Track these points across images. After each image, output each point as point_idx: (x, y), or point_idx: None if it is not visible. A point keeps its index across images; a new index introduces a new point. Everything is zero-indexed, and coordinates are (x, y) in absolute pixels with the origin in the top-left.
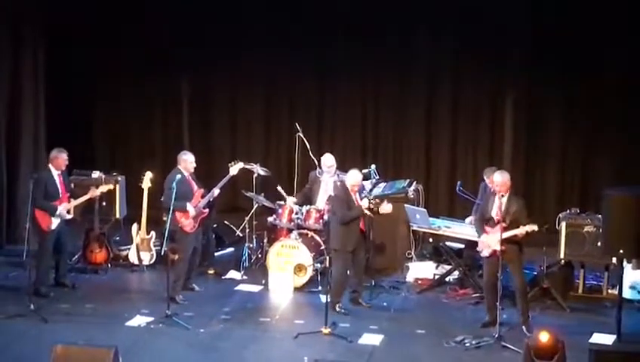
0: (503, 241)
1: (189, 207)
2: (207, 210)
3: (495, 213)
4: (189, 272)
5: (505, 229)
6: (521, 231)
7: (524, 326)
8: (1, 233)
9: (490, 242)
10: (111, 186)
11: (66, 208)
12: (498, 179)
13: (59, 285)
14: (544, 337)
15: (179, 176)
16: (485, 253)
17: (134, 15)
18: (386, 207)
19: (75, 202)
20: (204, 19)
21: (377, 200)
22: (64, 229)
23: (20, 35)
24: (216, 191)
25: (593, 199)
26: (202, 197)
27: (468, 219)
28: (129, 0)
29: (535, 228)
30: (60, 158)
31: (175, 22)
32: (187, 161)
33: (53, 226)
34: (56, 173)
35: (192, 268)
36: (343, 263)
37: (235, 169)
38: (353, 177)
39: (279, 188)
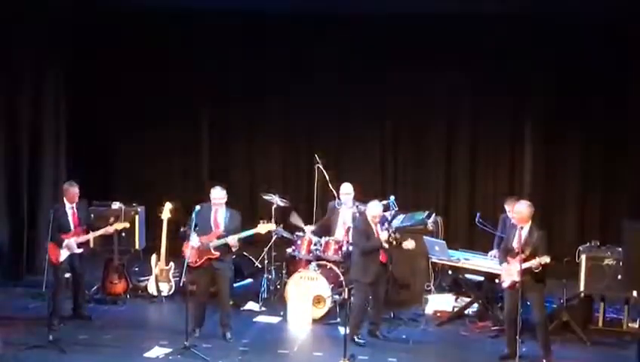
0: (523, 273)
1: (193, 236)
2: (217, 253)
3: (516, 243)
4: (222, 318)
5: (524, 261)
6: (533, 263)
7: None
8: (21, 264)
9: (509, 272)
10: (127, 225)
11: (75, 242)
12: (516, 209)
13: (77, 317)
14: None
15: (197, 208)
16: (505, 284)
17: (156, 47)
18: (409, 244)
19: (90, 235)
20: (224, 51)
21: (398, 235)
22: (78, 261)
23: (41, 69)
24: (230, 239)
25: (613, 232)
26: (218, 238)
27: (491, 253)
28: (151, 30)
29: (547, 259)
30: (71, 191)
31: (195, 53)
32: (211, 195)
33: (62, 258)
34: (69, 206)
35: (220, 312)
36: (362, 295)
37: (263, 228)
38: (374, 208)
39: (295, 216)
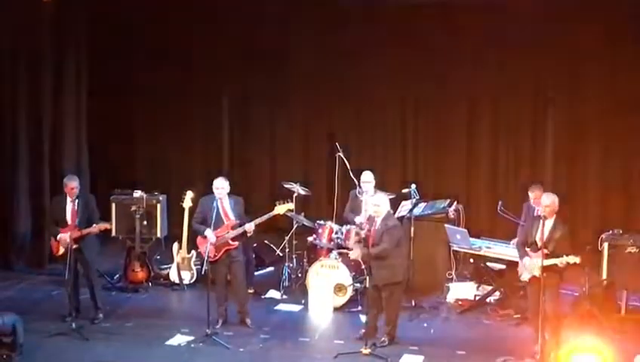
0: (545, 270)
1: (208, 232)
2: (235, 243)
3: (539, 237)
4: (240, 305)
5: (547, 256)
6: (561, 261)
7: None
8: (44, 252)
9: (531, 267)
10: (108, 226)
11: (70, 237)
12: (546, 202)
13: (96, 308)
14: None
15: (201, 200)
16: (525, 277)
17: (176, 35)
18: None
19: (82, 232)
20: (245, 40)
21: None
22: (82, 254)
23: (62, 62)
24: (247, 226)
25: (636, 219)
26: (233, 228)
27: (514, 241)
28: (173, 22)
29: (577, 260)
30: (68, 185)
31: (216, 42)
32: (213, 186)
33: (60, 252)
34: (69, 200)
35: (237, 299)
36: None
37: (281, 209)
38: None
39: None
